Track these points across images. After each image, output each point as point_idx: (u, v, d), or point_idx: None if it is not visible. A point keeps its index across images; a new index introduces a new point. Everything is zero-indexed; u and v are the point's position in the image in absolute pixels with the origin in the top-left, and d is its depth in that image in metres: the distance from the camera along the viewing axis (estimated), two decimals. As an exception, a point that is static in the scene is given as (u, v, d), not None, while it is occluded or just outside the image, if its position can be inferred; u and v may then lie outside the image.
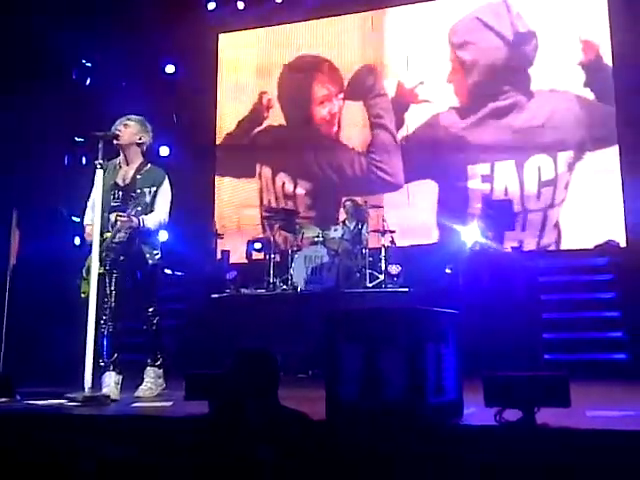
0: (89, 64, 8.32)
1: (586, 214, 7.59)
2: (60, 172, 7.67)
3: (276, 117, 9.27)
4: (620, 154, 7.62)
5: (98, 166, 4.01)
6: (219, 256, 8.39)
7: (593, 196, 7.61)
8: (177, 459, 2.52)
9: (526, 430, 2.60)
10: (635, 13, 7.43)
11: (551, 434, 2.58)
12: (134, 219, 4.09)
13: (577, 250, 7.46)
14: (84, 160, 7.43)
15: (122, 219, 4.08)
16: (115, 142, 4.24)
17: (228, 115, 9.49)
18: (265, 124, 9.32)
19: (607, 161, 7.66)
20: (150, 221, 4.19)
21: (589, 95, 7.88)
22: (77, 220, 7.00)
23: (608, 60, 7.82)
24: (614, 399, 3.86)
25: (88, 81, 8.32)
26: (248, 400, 2.58)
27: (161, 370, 4.35)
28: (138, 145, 4.31)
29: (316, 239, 7.34)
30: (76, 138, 7.04)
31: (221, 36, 9.57)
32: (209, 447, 2.49)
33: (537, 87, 8.09)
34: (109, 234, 4.15)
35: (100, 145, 4.01)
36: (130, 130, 4.27)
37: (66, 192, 7.24)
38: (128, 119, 4.29)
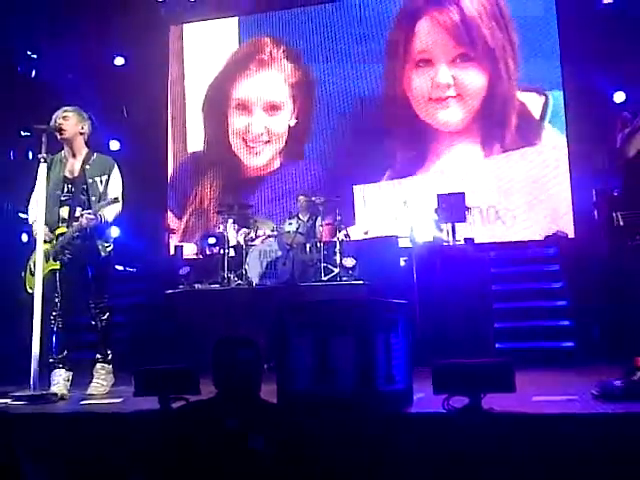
0: (34, 55, 8.06)
1: (536, 205, 7.75)
2: (6, 167, 7.44)
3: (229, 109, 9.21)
4: (568, 146, 7.80)
5: (42, 160, 3.95)
6: (172, 251, 8.28)
7: (542, 187, 7.78)
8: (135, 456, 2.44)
9: (473, 415, 2.65)
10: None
11: (496, 418, 2.64)
12: (98, 216, 4.04)
13: (527, 241, 7.61)
14: (30, 155, 7.22)
15: (89, 217, 4.00)
16: (59, 137, 4.17)
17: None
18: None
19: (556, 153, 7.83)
20: (110, 214, 4.15)
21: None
22: (24, 216, 6.82)
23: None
24: (561, 385, 3.96)
25: (33, 73, 8.06)
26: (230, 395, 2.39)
27: (111, 366, 4.30)
28: (81, 134, 4.26)
29: (270, 233, 7.30)
30: (22, 132, 6.82)
31: (172, 28, 9.44)
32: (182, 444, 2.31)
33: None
34: (64, 229, 4.08)
35: (43, 138, 3.96)
36: (71, 122, 4.21)
37: (12, 187, 7.03)
38: (65, 111, 4.22)
